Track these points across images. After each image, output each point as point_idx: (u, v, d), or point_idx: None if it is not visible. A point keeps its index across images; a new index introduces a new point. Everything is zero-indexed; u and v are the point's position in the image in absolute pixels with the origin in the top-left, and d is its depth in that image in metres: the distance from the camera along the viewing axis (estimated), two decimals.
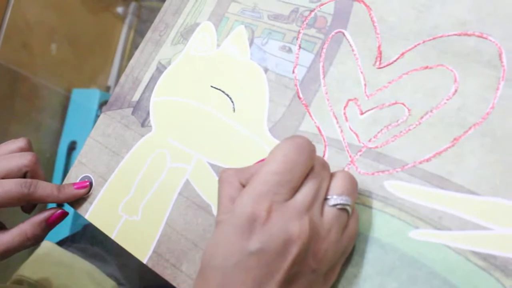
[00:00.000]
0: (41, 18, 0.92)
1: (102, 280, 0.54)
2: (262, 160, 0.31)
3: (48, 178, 0.81)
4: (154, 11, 1.12)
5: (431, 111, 0.32)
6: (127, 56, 1.10)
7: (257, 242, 0.26)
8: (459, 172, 0.30)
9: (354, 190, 0.31)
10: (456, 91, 0.32)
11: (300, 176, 0.29)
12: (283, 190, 0.28)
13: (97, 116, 0.91)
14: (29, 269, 0.54)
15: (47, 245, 0.57)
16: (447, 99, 0.32)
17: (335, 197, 0.29)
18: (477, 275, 0.29)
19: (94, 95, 1.00)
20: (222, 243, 0.27)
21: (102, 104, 0.98)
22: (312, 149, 0.29)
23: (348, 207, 0.30)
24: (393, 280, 0.30)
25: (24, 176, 0.39)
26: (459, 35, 0.33)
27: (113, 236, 0.38)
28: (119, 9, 1.10)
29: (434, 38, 0.34)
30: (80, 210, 0.41)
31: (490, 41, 0.32)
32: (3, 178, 0.37)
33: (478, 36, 0.32)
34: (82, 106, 0.99)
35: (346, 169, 0.33)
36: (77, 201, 0.41)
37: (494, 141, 0.30)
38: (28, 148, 0.41)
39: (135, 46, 1.14)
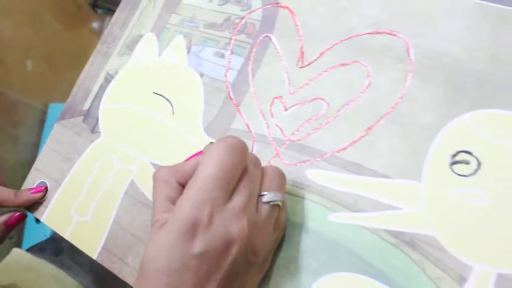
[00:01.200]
0: (16, 35, 0.95)
1: (69, 284, 0.56)
2: (196, 154, 0.33)
3: None
4: None
5: (347, 104, 0.35)
6: None
7: (200, 246, 0.28)
8: (372, 158, 0.33)
9: (284, 184, 0.33)
10: (369, 84, 0.35)
11: (235, 178, 0.30)
12: (221, 193, 0.29)
13: None
14: None
15: (17, 252, 0.59)
16: (362, 92, 0.35)
17: (268, 194, 0.31)
18: (389, 251, 0.31)
19: None
20: (165, 247, 0.29)
21: None
22: (244, 147, 0.31)
23: (279, 203, 0.32)
24: (314, 260, 0.33)
25: None
26: (372, 33, 0.36)
27: (66, 236, 0.41)
28: (95, 25, 1.12)
29: (350, 38, 0.37)
30: (36, 214, 0.43)
31: (399, 38, 0.35)
32: None
33: (389, 34, 0.35)
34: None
35: (272, 161, 0.36)
36: (34, 205, 0.43)
37: (403, 128, 0.33)
38: None
39: None
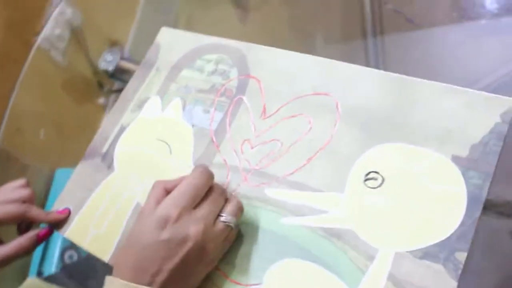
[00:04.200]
0: (34, 107, 1.09)
1: None
2: (183, 178, 0.47)
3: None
4: None
5: (295, 142, 0.49)
6: None
7: (166, 234, 0.41)
8: (311, 179, 0.47)
9: (239, 213, 0.46)
10: (310, 129, 0.49)
11: (201, 193, 0.44)
12: (190, 202, 0.43)
13: None
14: None
15: (31, 280, 0.70)
16: (305, 134, 0.49)
17: (225, 216, 0.44)
18: (321, 241, 0.44)
19: None
20: (146, 228, 0.42)
21: None
22: (210, 174, 0.45)
23: (232, 225, 0.45)
24: (268, 251, 0.45)
25: None
26: (313, 94, 0.51)
27: (84, 245, 0.53)
28: (101, 100, 1.27)
29: (298, 97, 0.52)
30: (61, 231, 0.55)
31: (330, 97, 0.50)
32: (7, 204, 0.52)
33: (324, 94, 0.50)
34: (65, 184, 1.13)
35: (241, 184, 0.50)
36: (59, 224, 0.56)
37: (333, 158, 0.47)
38: (27, 185, 0.56)
39: None
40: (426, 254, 0.40)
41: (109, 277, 0.42)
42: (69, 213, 0.56)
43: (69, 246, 0.95)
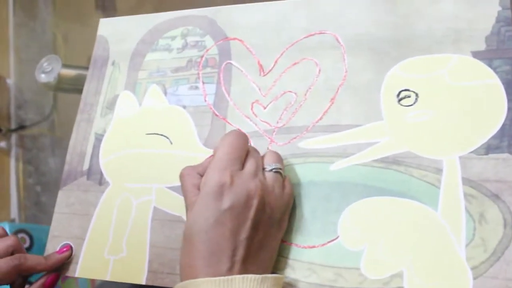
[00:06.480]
0: None
1: None
2: (211, 156, 0.41)
3: None
4: (38, 138, 1.16)
5: (309, 88, 0.46)
6: (23, 185, 1.11)
7: (228, 201, 0.36)
8: (343, 117, 0.44)
9: (280, 159, 0.43)
10: (320, 70, 0.46)
11: (243, 154, 0.40)
12: (236, 163, 0.39)
13: None
14: None
15: None
16: (316, 77, 0.46)
17: (269, 165, 0.41)
18: (382, 173, 0.41)
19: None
20: (201, 210, 0.37)
21: (16, 233, 0.97)
22: (245, 137, 0.41)
23: (280, 170, 0.41)
24: (332, 202, 0.42)
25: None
26: (307, 36, 0.48)
27: (107, 278, 0.44)
28: (1, 144, 1.13)
29: (292, 44, 0.48)
30: (69, 273, 0.46)
31: (328, 33, 0.47)
32: None
33: (319, 33, 0.48)
34: None
35: (269, 147, 0.45)
36: (64, 266, 0.46)
37: (354, 90, 0.45)
38: (5, 234, 0.45)
39: (27, 175, 1.15)
40: (489, 148, 0.39)
41: (178, 284, 0.35)
42: (72, 249, 0.47)
43: None
